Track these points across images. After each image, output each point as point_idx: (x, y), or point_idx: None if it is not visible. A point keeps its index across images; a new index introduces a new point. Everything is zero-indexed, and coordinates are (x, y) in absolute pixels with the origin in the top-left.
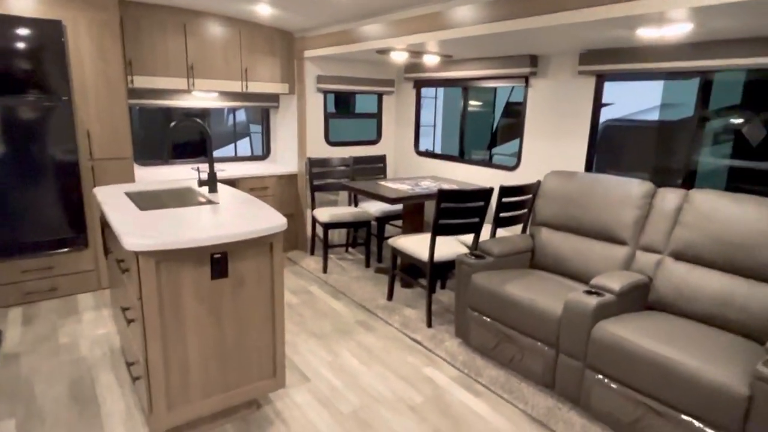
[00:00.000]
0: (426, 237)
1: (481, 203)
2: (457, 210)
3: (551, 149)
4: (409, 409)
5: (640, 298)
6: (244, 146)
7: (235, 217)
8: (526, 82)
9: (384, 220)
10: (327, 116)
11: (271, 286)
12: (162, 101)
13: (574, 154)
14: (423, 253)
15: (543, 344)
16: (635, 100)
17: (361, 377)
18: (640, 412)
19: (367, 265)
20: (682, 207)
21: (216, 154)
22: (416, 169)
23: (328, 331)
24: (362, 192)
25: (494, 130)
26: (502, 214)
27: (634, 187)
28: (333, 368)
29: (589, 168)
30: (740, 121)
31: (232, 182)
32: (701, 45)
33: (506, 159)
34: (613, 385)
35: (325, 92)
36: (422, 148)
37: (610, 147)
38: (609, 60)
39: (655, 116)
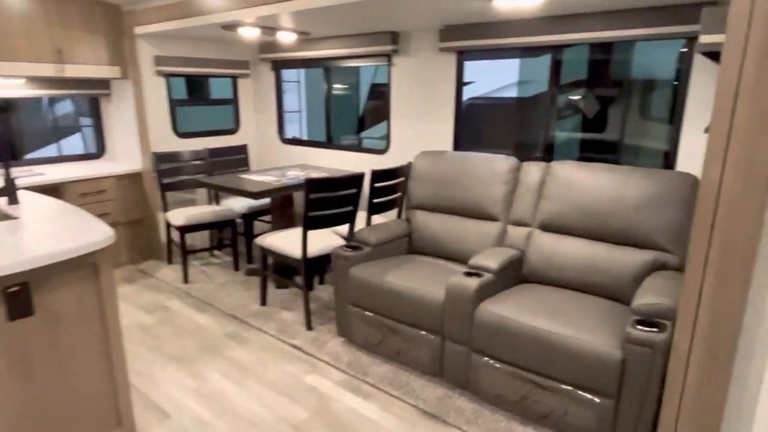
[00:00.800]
0: (297, 232)
1: (354, 190)
2: (328, 200)
3: (420, 129)
4: (293, 429)
5: (515, 273)
6: (75, 144)
7: (40, 235)
8: (389, 60)
9: (251, 216)
10: (173, 104)
11: (102, 316)
12: None
13: (443, 133)
14: (295, 251)
15: (428, 333)
16: (495, 78)
17: (235, 401)
18: (527, 388)
19: (236, 268)
20: (544, 180)
21: (37, 154)
22: (283, 159)
23: (192, 351)
24: (220, 188)
25: (362, 113)
26: (375, 200)
27: (500, 163)
28: (200, 396)
29: (457, 146)
30: (578, 97)
31: (54, 189)
32: (553, 20)
33: (376, 142)
34: (499, 366)
35: (167, 76)
36: (289, 135)
37: (475, 124)
38: (468, 36)
39: (513, 93)
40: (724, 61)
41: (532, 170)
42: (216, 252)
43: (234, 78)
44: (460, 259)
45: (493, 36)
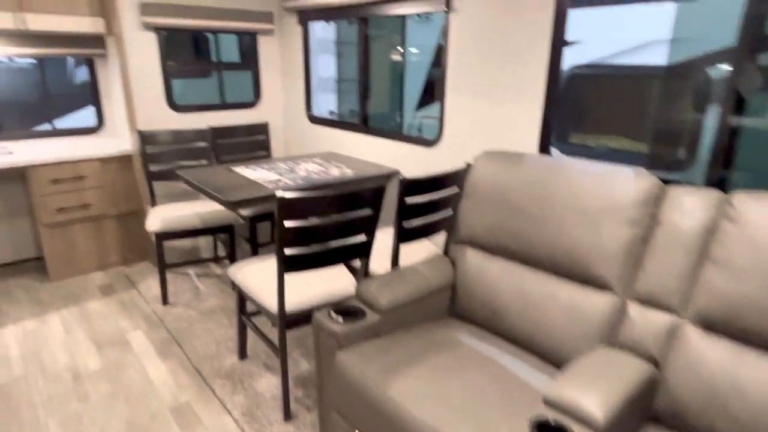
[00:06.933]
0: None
1: (368, 212)
2: (321, 229)
3: (489, 113)
4: None
5: (641, 409)
6: (88, 117)
7: None
8: (448, 6)
9: (261, 218)
10: (166, 67)
11: None
12: None
13: (525, 120)
14: (269, 299)
15: None
16: (623, 35)
17: None
18: None
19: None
20: (716, 226)
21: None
22: (310, 144)
23: None
24: (192, 185)
25: (424, 85)
26: (406, 224)
27: (624, 182)
28: None
29: (544, 145)
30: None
31: (18, 172)
32: None
33: (427, 125)
34: None
35: (158, 30)
36: (323, 110)
37: (579, 109)
38: None
39: (659, 58)
40: None
41: (689, 204)
42: (220, 261)
43: (252, 35)
44: (532, 347)
45: None
